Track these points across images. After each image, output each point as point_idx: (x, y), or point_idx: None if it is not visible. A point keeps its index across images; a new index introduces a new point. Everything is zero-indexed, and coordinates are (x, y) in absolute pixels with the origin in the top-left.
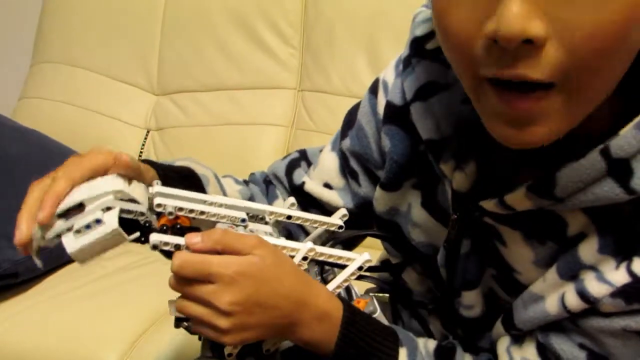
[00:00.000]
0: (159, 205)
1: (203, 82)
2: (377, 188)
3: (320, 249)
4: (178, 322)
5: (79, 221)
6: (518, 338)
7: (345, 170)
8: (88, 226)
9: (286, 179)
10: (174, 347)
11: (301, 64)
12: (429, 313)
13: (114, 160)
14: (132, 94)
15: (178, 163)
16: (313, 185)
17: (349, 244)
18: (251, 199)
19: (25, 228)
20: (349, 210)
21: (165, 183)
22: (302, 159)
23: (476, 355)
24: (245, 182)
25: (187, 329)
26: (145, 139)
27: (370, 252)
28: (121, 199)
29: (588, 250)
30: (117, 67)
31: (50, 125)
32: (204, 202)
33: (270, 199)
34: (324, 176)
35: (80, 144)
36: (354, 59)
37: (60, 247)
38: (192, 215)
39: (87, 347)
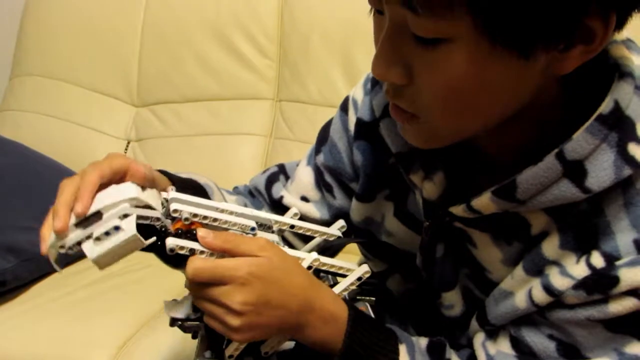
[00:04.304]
0: (175, 210)
1: (182, 94)
2: (353, 199)
3: (324, 259)
4: (173, 321)
5: (98, 229)
6: (492, 333)
7: (321, 183)
8: (107, 233)
9: (266, 193)
10: (161, 351)
11: (278, 75)
12: (409, 315)
13: (130, 170)
14: (113, 105)
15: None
16: (291, 199)
17: (327, 249)
18: None
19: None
20: (326, 221)
21: (179, 192)
22: (281, 172)
23: (457, 351)
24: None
25: (181, 327)
26: (126, 149)
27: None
28: (137, 206)
29: (550, 246)
30: (97, 79)
31: (31, 137)
32: (216, 209)
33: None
34: (300, 190)
35: (60, 156)
36: (329, 68)
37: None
38: (206, 221)
39: (75, 352)
